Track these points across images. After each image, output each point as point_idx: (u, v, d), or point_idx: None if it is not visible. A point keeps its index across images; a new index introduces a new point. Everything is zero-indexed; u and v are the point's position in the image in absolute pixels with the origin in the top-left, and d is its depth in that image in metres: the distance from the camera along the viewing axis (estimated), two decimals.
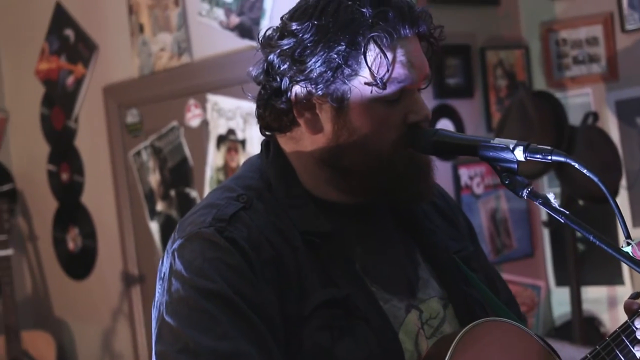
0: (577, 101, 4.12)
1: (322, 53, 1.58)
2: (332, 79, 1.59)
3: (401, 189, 1.64)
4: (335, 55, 1.58)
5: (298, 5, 1.66)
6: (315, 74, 1.59)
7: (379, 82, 1.58)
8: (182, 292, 1.54)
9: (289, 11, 1.66)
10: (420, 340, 1.65)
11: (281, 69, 1.62)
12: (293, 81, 1.61)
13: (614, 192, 3.84)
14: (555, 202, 1.53)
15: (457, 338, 1.58)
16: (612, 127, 4.00)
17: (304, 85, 1.61)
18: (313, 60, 1.59)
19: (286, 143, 1.69)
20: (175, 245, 1.60)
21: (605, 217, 3.87)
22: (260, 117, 1.70)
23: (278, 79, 1.63)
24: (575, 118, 3.97)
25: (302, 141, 1.66)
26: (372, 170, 1.62)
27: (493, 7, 4.16)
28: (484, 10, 4.14)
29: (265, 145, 1.73)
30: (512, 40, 4.24)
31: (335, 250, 1.63)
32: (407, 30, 1.62)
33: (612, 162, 3.82)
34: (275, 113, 1.66)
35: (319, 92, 1.60)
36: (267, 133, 1.72)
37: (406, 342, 1.63)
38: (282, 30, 1.64)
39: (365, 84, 1.59)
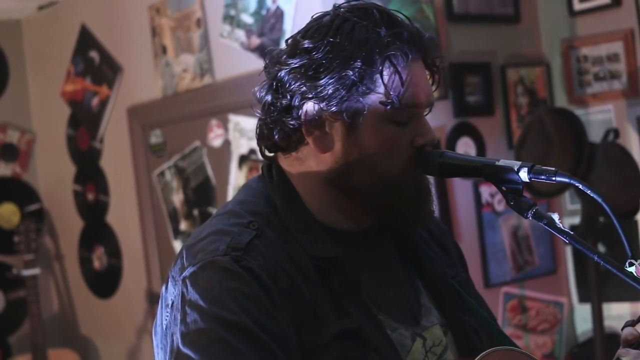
0: (599, 118, 4.12)
1: (337, 70, 1.58)
2: (346, 96, 1.59)
3: (406, 211, 1.65)
4: (351, 72, 1.58)
5: (309, 25, 1.66)
6: (329, 91, 1.58)
7: (394, 100, 1.59)
8: (200, 323, 1.51)
9: (299, 31, 1.66)
10: None
11: (292, 86, 1.61)
12: (305, 98, 1.60)
13: (636, 209, 3.83)
14: (559, 223, 1.54)
15: None
16: (633, 143, 3.99)
17: (316, 103, 1.60)
18: (327, 77, 1.58)
19: (291, 164, 1.68)
20: (187, 273, 1.57)
21: (627, 233, 3.86)
22: (263, 138, 1.69)
23: (288, 97, 1.62)
24: (596, 135, 3.97)
25: (307, 161, 1.66)
26: (379, 190, 1.62)
27: (513, 24, 4.17)
28: (504, 28, 4.15)
29: (267, 168, 1.72)
30: (532, 58, 4.24)
31: (344, 277, 1.62)
32: (416, 55, 1.64)
33: (633, 179, 3.81)
34: (283, 131, 1.64)
35: (332, 109, 1.59)
36: (268, 155, 1.71)
37: None
38: (293, 49, 1.63)
39: (380, 102, 1.59)
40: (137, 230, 4.67)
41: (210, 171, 4.28)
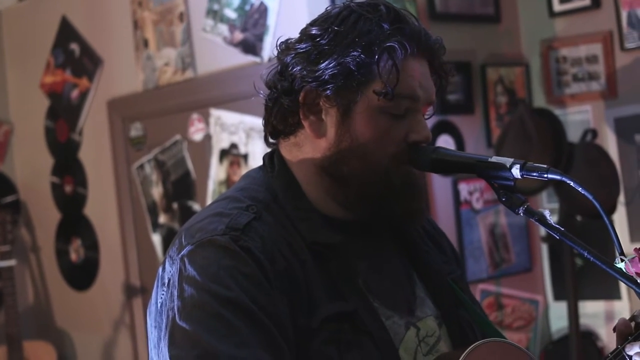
0: (577, 118, 4.16)
1: (336, 57, 1.62)
2: (342, 83, 1.63)
3: (395, 204, 1.67)
4: (349, 61, 1.62)
5: (320, 15, 1.71)
6: (326, 77, 1.63)
7: (388, 90, 1.62)
8: (197, 298, 1.53)
9: (312, 21, 1.72)
10: (419, 357, 1.68)
11: (294, 69, 1.66)
12: (304, 82, 1.65)
13: (612, 208, 3.88)
14: (550, 219, 1.56)
15: (463, 356, 1.60)
16: (610, 144, 4.04)
17: (314, 87, 1.64)
18: (327, 62, 1.63)
19: (290, 151, 1.71)
20: (185, 251, 1.59)
21: (603, 232, 3.85)
22: (267, 123, 1.73)
23: (290, 80, 1.67)
24: (574, 135, 4.01)
25: (304, 147, 1.69)
26: (369, 180, 1.65)
27: (494, 24, 4.21)
28: (484, 28, 4.19)
29: (269, 158, 1.75)
30: (512, 58, 4.28)
31: (341, 264, 1.65)
32: (420, 52, 1.67)
33: (611, 179, 3.86)
34: (281, 113, 1.69)
35: (327, 93, 1.63)
36: (271, 142, 1.75)
37: (405, 358, 1.65)
38: (302, 35, 1.70)
39: (374, 91, 1.62)
40: (115, 223, 4.66)
41: (190, 165, 4.28)
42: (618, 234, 1.56)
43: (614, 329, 1.66)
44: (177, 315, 1.55)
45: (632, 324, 1.65)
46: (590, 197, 1.54)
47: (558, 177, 1.56)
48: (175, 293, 1.57)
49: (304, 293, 1.59)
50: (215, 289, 1.53)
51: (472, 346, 1.62)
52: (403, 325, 1.68)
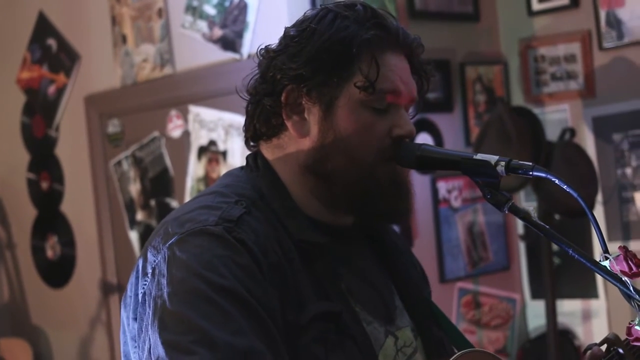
0: (555, 117, 4.18)
1: (315, 54, 1.62)
2: (323, 79, 1.63)
3: (381, 201, 1.66)
4: (328, 56, 1.62)
5: (298, 19, 1.71)
6: (307, 74, 1.62)
7: (369, 82, 1.62)
8: (190, 283, 1.49)
9: (290, 25, 1.72)
10: None
11: (274, 71, 1.66)
12: (285, 81, 1.64)
13: (590, 207, 3.89)
14: (535, 217, 1.57)
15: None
16: (588, 143, 4.05)
17: (295, 86, 1.64)
18: (305, 60, 1.63)
19: (272, 152, 1.70)
20: (174, 240, 1.55)
21: (581, 231, 3.93)
22: (248, 126, 1.72)
23: (270, 82, 1.66)
24: (552, 134, 4.03)
25: (288, 148, 1.68)
26: (354, 177, 1.64)
27: (473, 23, 4.22)
28: (463, 26, 4.19)
29: (252, 159, 1.73)
30: (491, 56, 4.29)
31: (326, 265, 1.64)
32: (399, 49, 1.67)
33: (588, 177, 3.88)
34: (264, 115, 1.68)
35: (309, 92, 1.63)
36: (252, 145, 1.74)
37: None
38: (281, 39, 1.69)
39: (355, 85, 1.62)
40: (92, 220, 4.63)
41: (168, 162, 4.27)
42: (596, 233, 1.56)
43: (585, 353, 1.69)
44: (167, 302, 1.50)
45: (604, 346, 1.69)
46: (575, 194, 1.54)
47: (543, 175, 1.56)
48: (164, 281, 1.52)
49: (293, 290, 1.57)
50: (209, 276, 1.49)
51: (456, 354, 1.62)
52: (383, 332, 1.68)
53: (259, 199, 1.66)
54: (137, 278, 1.61)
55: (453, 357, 1.62)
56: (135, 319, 1.60)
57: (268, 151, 1.71)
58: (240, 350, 1.44)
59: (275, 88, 1.66)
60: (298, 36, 1.65)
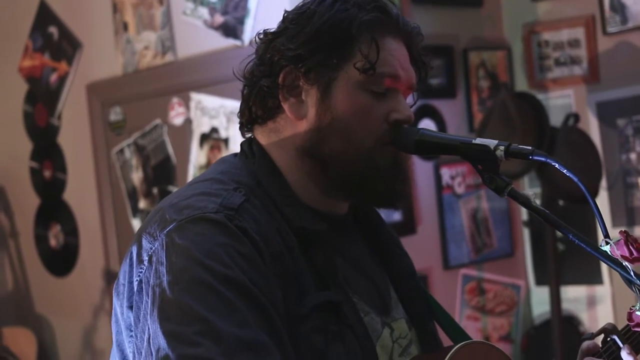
0: (559, 102, 4.15)
1: (314, 35, 1.61)
2: (321, 59, 1.61)
3: (379, 185, 1.64)
4: (328, 38, 1.60)
5: (297, 5, 1.69)
6: (305, 55, 1.60)
7: (369, 63, 1.60)
8: (192, 272, 1.45)
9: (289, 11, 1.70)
10: (394, 356, 1.67)
11: (273, 52, 1.64)
12: (282, 62, 1.62)
13: (594, 193, 3.88)
14: (535, 202, 1.55)
15: (448, 355, 1.60)
16: (592, 128, 4.03)
17: (293, 67, 1.62)
18: (304, 42, 1.61)
19: (268, 136, 1.68)
20: (172, 227, 1.51)
21: (584, 217, 3.91)
22: (244, 110, 1.69)
23: (269, 63, 1.64)
24: (556, 119, 4.01)
25: (284, 131, 1.66)
26: (351, 160, 1.62)
27: (476, 8, 4.19)
28: (466, 12, 4.17)
29: (247, 145, 1.71)
30: (494, 42, 4.27)
31: (325, 254, 1.62)
32: (398, 34, 1.66)
33: (593, 163, 3.86)
34: (261, 96, 1.65)
35: (307, 73, 1.61)
36: (246, 131, 1.71)
37: (382, 356, 1.64)
38: (281, 21, 1.67)
39: (355, 67, 1.60)
40: (94, 208, 4.63)
41: (170, 149, 4.25)
42: None
43: (580, 349, 1.69)
44: (167, 290, 1.45)
45: (601, 336, 1.68)
46: (575, 179, 1.52)
47: (543, 159, 1.54)
48: (162, 269, 1.47)
49: (293, 279, 1.54)
50: (211, 265, 1.45)
51: (456, 347, 1.61)
52: (380, 323, 1.67)
53: (257, 185, 1.62)
54: (130, 266, 1.57)
55: (454, 349, 1.61)
56: (131, 307, 1.56)
57: (263, 136, 1.69)
58: (245, 342, 1.41)
59: (272, 69, 1.63)
60: (297, 18, 1.63)
